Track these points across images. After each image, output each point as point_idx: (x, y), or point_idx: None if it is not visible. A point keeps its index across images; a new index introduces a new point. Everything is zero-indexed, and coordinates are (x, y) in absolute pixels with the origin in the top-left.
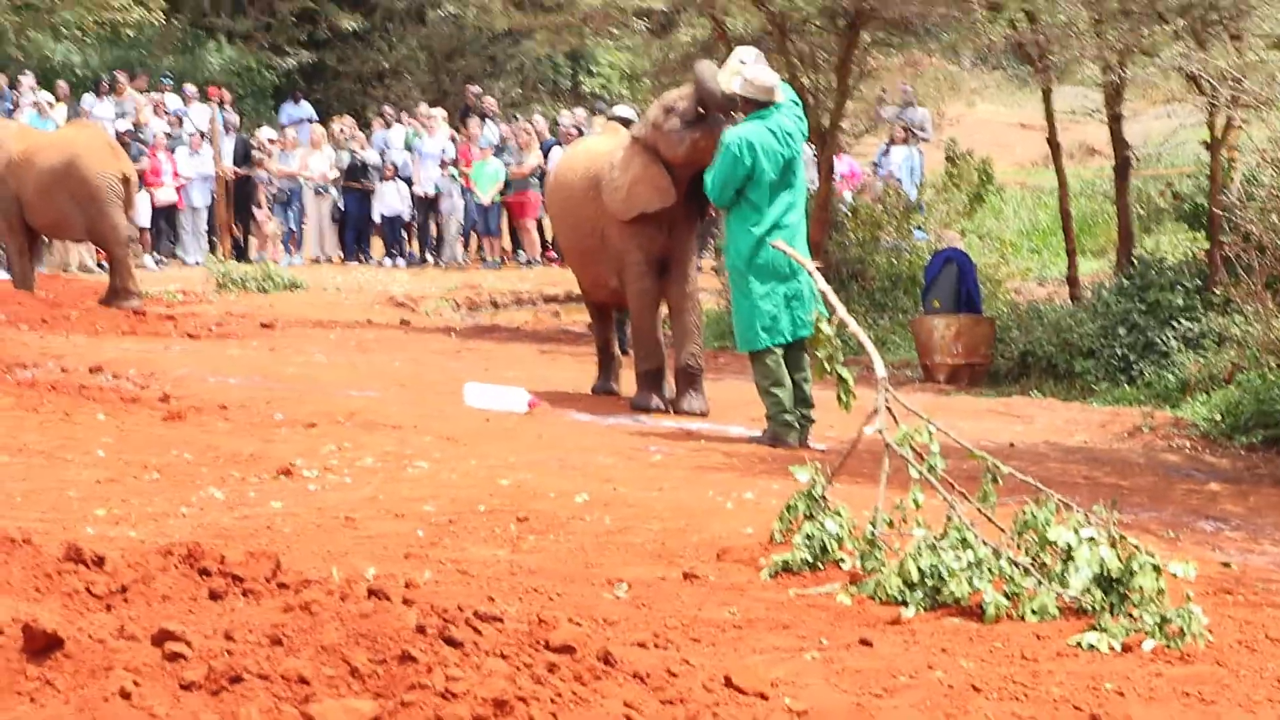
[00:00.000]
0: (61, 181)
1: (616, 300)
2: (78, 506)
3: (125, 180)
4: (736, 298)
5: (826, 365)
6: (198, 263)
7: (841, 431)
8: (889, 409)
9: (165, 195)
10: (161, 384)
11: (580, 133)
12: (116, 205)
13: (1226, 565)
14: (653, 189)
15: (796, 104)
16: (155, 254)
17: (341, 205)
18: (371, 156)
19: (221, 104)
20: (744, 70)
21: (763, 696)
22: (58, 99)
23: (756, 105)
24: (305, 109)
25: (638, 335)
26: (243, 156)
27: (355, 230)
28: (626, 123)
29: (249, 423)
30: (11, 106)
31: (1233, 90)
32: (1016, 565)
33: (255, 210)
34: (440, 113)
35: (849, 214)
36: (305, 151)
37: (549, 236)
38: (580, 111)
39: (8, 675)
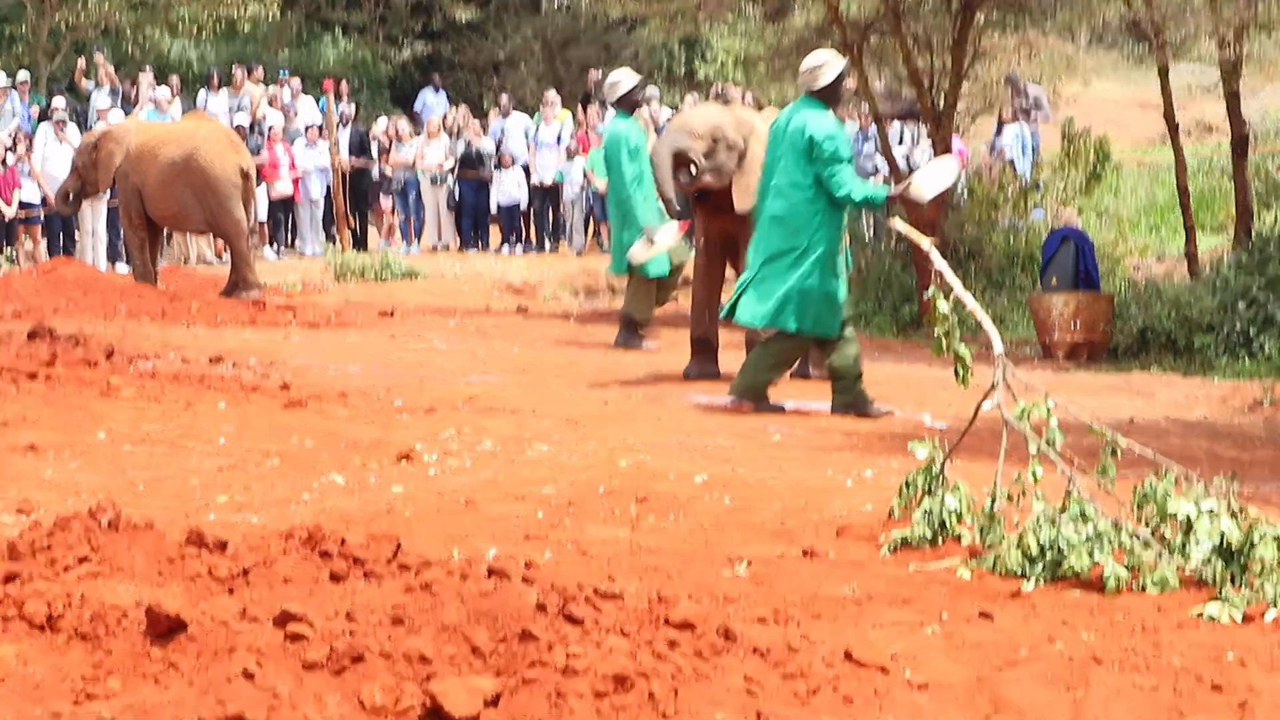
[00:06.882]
0: (181, 174)
1: None
2: (200, 493)
3: (244, 174)
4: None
5: (944, 342)
6: (316, 253)
7: (959, 408)
8: (1007, 384)
9: (282, 188)
10: (282, 373)
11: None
12: (235, 198)
13: None
14: None
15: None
16: (274, 246)
17: (457, 194)
18: (487, 145)
19: (338, 96)
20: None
21: (883, 670)
22: (173, 94)
23: None
24: (442, 98)
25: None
26: (358, 148)
27: (472, 219)
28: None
29: (369, 409)
30: (128, 103)
31: None
32: (1137, 538)
33: (373, 200)
34: (556, 99)
35: (966, 193)
36: (422, 141)
37: None
38: (696, 96)
39: (132, 658)
